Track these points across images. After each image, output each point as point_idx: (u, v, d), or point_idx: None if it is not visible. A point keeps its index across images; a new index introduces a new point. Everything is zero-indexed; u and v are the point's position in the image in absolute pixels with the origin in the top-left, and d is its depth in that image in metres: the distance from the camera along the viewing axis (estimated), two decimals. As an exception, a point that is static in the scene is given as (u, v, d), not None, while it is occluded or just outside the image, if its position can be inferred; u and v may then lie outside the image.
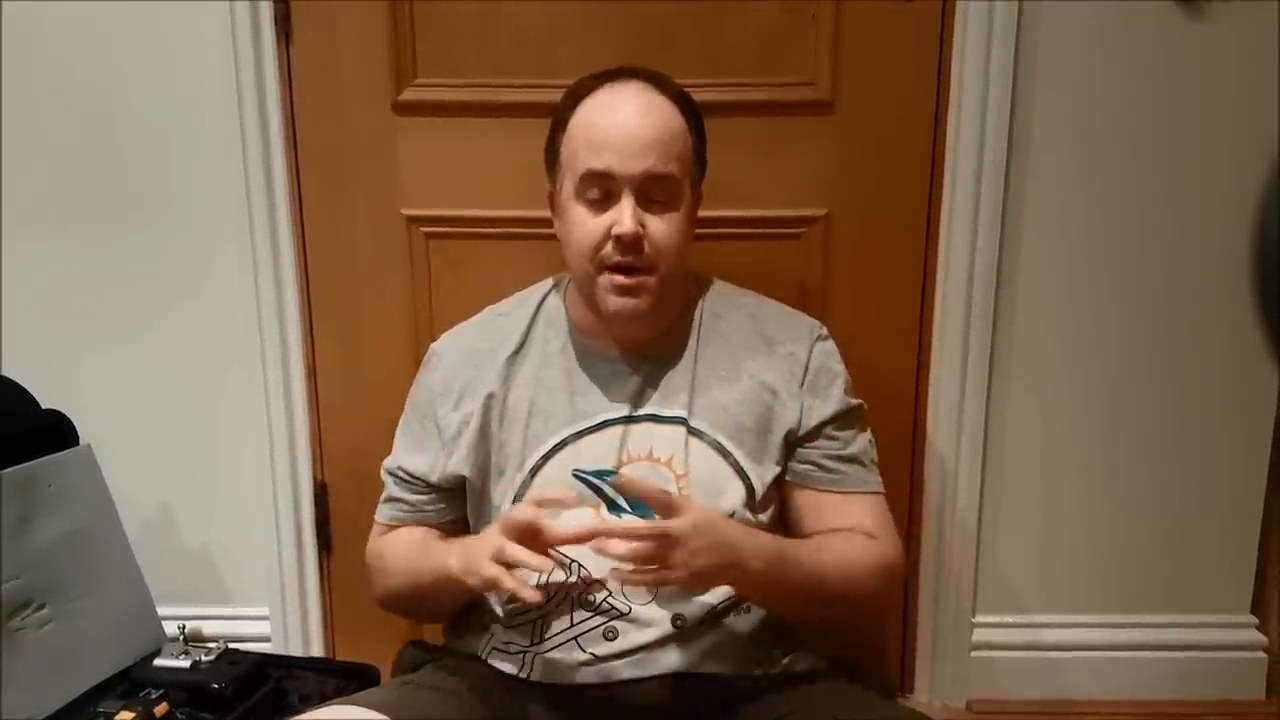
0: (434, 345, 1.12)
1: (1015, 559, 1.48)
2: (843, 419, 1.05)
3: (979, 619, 1.49)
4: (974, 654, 1.49)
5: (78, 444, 1.31)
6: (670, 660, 0.95)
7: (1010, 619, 1.49)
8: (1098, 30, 1.32)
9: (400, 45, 1.35)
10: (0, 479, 1.15)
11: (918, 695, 1.50)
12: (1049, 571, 1.49)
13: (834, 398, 1.05)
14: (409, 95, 1.37)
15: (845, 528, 1.02)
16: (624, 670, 0.94)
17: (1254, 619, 1.50)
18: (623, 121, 0.96)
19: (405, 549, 1.07)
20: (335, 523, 1.51)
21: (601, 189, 0.97)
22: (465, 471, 1.05)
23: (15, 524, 1.16)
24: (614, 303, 0.98)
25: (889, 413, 1.44)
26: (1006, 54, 1.32)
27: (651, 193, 0.96)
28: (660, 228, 0.97)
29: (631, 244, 0.96)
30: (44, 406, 1.32)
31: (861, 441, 1.07)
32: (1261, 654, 1.49)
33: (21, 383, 1.32)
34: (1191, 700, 1.48)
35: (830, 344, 1.09)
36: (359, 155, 1.40)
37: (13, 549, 1.15)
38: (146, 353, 1.46)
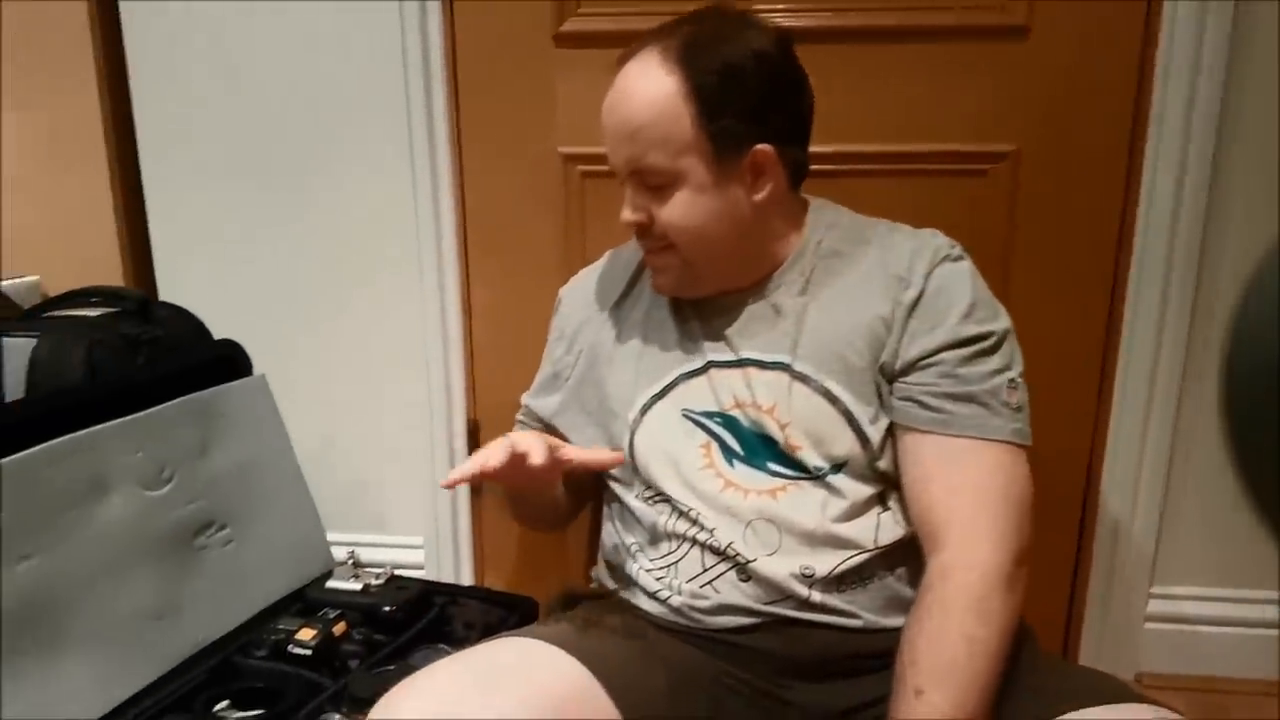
0: (561, 289, 1.14)
1: (1199, 529, 1.38)
2: (961, 349, 0.90)
3: (1156, 590, 1.40)
4: (1148, 626, 1.41)
5: (250, 374, 1.34)
6: (801, 611, 0.91)
7: (1193, 591, 1.40)
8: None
9: (564, -28, 1.31)
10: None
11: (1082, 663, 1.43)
12: (1230, 543, 1.37)
13: (948, 325, 0.90)
14: (571, 25, 1.33)
15: (939, 522, 0.89)
16: (751, 617, 0.92)
17: None
18: (608, 111, 0.93)
19: None
20: (487, 460, 1.54)
21: (618, 176, 0.96)
22: (567, 411, 1.07)
23: (196, 449, 1.21)
24: (653, 281, 1.00)
25: (1072, 376, 1.35)
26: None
27: (646, 179, 0.92)
28: (665, 212, 0.92)
29: (637, 231, 0.96)
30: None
31: (996, 380, 0.89)
32: None
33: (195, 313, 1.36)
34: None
35: (961, 265, 0.94)
36: (518, 90, 1.37)
37: (193, 473, 1.20)
38: (314, 293, 1.50)
